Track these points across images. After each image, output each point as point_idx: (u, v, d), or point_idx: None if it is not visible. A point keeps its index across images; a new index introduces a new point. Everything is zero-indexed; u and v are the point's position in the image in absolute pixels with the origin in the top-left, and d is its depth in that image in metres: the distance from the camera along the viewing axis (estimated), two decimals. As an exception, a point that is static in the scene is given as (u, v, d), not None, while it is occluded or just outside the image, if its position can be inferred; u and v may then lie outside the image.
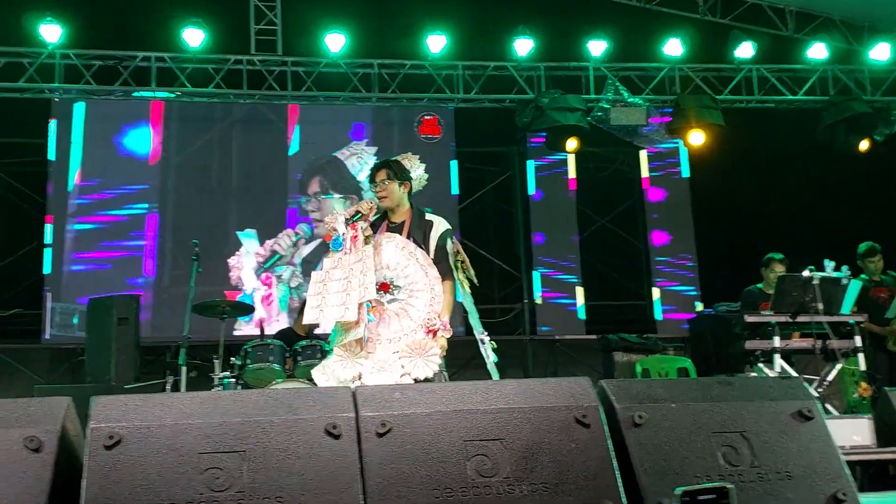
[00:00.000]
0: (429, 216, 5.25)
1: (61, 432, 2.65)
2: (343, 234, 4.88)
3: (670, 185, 12.34)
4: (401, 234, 5.07)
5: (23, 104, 10.83)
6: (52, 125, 10.88)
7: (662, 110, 11.50)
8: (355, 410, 2.83)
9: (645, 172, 12.41)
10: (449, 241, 5.07)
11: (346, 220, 4.90)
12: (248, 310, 8.01)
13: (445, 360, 5.00)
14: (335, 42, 10.76)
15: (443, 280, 4.98)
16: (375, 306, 4.82)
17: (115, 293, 8.83)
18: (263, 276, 10.83)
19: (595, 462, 2.73)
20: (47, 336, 10.48)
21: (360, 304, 4.68)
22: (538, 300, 11.73)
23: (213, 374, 7.11)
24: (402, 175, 5.22)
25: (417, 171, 5.38)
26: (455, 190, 11.57)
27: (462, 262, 5.08)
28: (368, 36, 11.02)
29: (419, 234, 5.07)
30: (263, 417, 2.76)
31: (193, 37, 10.39)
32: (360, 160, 11.25)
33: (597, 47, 11.15)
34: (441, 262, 5.01)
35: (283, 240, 10.95)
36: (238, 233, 10.92)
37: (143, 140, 11.03)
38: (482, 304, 11.99)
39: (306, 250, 10.97)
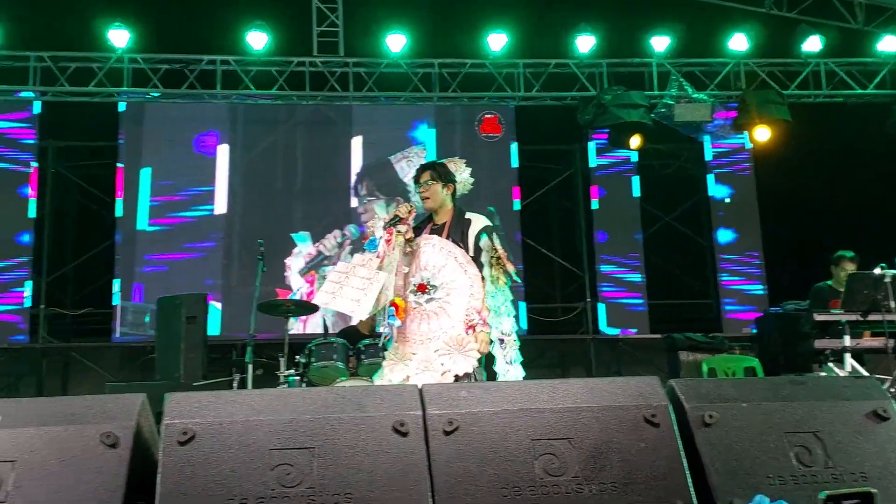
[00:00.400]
0: (468, 214, 5.29)
1: (136, 428, 2.71)
2: (380, 237, 4.99)
3: (735, 181, 12.15)
4: (441, 234, 5.15)
5: (92, 108, 11.08)
6: (122, 129, 11.10)
7: (727, 106, 11.32)
8: (422, 408, 2.84)
9: (709, 169, 12.22)
10: (485, 238, 5.08)
11: (385, 223, 5.01)
12: (312, 309, 8.08)
13: (484, 358, 4.99)
14: (396, 42, 10.82)
15: (483, 278, 5.03)
16: (415, 307, 4.94)
17: (183, 293, 8.98)
18: (308, 275, 10.92)
19: (665, 462, 2.70)
20: (118, 335, 10.69)
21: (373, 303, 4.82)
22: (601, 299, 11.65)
23: (279, 372, 7.20)
24: (446, 177, 5.31)
25: (463, 174, 5.42)
26: (517, 188, 11.52)
27: (498, 258, 5.04)
28: (429, 35, 11.05)
29: (457, 232, 5.14)
30: (332, 415, 2.78)
31: (257, 40, 10.54)
32: (409, 163, 11.28)
33: (660, 43, 11.04)
34: (479, 260, 5.06)
35: (329, 241, 11.02)
36: (292, 235, 11.04)
37: (210, 141, 11.20)
38: (544, 303, 12.14)
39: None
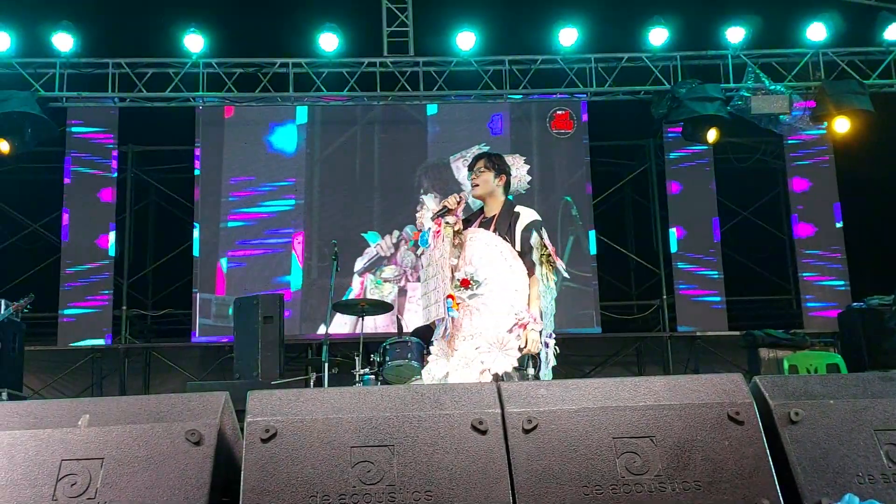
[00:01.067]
0: (518, 208, 5.19)
1: (220, 426, 2.76)
2: (429, 228, 4.94)
3: (815, 174, 11.85)
4: (489, 228, 5.05)
5: (169, 113, 11.33)
6: (198, 132, 11.31)
7: (806, 97, 11.07)
8: (501, 406, 2.83)
9: (788, 162, 11.95)
10: (535, 234, 4.97)
11: (434, 214, 4.98)
12: (387, 308, 8.13)
13: (528, 359, 4.91)
14: (466, 40, 10.82)
15: (529, 273, 4.94)
16: (459, 302, 4.84)
17: (262, 292, 9.13)
18: (363, 275, 10.96)
19: (750, 460, 2.66)
20: (197, 335, 10.90)
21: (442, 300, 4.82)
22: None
23: (355, 371, 7.27)
24: (499, 167, 5.22)
25: (520, 170, 5.41)
26: (589, 185, 11.43)
27: (548, 255, 4.97)
28: (499, 32, 11.02)
29: (504, 226, 5.03)
30: (411, 413, 2.79)
31: (328, 42, 10.64)
32: (465, 163, 11.27)
33: (735, 34, 10.83)
34: (526, 254, 4.96)
35: (386, 240, 11.04)
36: (363, 234, 11.10)
37: (288, 140, 11.33)
38: (619, 301, 12.03)
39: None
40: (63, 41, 10.43)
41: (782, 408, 2.84)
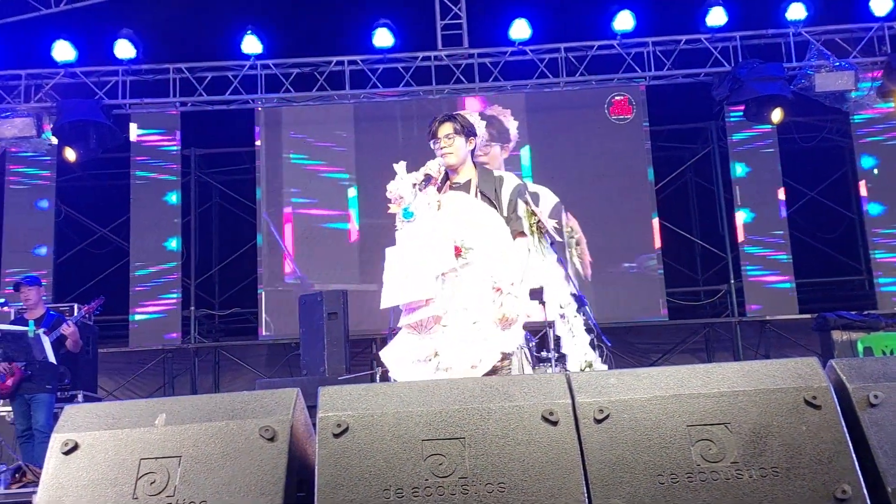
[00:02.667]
0: (498, 172, 4.76)
1: (292, 422, 2.79)
2: (411, 202, 4.48)
3: (884, 151, 11.55)
4: (468, 193, 4.60)
5: (229, 115, 11.48)
6: (258, 133, 11.44)
7: (872, 72, 10.79)
8: (571, 397, 2.81)
9: (855, 140, 11.67)
10: (521, 201, 4.59)
11: (415, 184, 4.51)
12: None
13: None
14: (520, 30, 10.77)
15: (514, 235, 4.50)
16: (447, 272, 4.33)
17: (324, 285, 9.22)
18: None
19: (828, 445, 2.60)
20: (264, 333, 11.04)
21: (436, 278, 4.29)
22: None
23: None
24: (469, 130, 4.70)
25: (480, 129, 4.97)
26: (651, 170, 11.30)
27: (538, 222, 4.64)
28: (553, 20, 10.96)
29: (490, 190, 4.59)
30: (480, 405, 2.79)
31: (383, 38, 10.68)
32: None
33: (796, 11, 10.62)
34: (512, 220, 4.53)
35: None
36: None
37: (345, 139, 11.39)
38: (686, 287, 11.89)
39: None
40: (124, 49, 10.64)
41: (860, 391, 2.77)
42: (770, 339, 11.24)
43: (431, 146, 4.68)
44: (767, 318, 11.17)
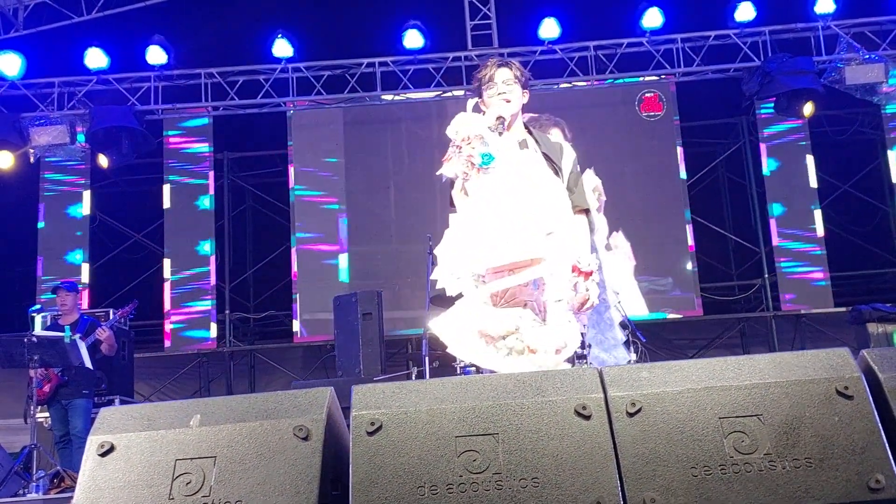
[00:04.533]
0: (553, 136, 4.19)
1: (326, 421, 2.81)
2: (489, 141, 3.66)
3: (917, 142, 11.43)
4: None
5: (261, 118, 11.57)
6: (290, 136, 11.52)
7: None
8: (603, 391, 2.82)
9: (888, 132, 11.54)
10: (590, 174, 4.10)
11: (493, 127, 3.74)
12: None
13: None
14: (549, 28, 10.75)
15: (574, 210, 3.90)
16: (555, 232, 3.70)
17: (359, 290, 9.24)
18: None
19: (861, 435, 2.59)
20: (299, 335, 11.11)
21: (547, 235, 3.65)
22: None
23: (455, 364, 7.30)
24: (525, 81, 4.06)
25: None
26: (683, 166, 11.25)
27: (599, 197, 4.06)
28: (582, 18, 10.94)
29: (556, 155, 3.96)
30: (514, 400, 2.80)
31: (413, 39, 10.71)
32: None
33: (825, 4, 10.51)
34: (576, 193, 3.94)
35: None
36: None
37: (380, 141, 11.43)
38: (720, 282, 11.81)
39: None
40: (156, 55, 10.74)
41: (893, 380, 2.76)
42: (805, 332, 11.16)
43: (483, 93, 4.00)
44: (802, 311, 11.09)
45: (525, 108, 4.14)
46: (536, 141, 3.98)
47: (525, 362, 3.64)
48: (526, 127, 4.05)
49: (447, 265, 3.76)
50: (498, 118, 3.76)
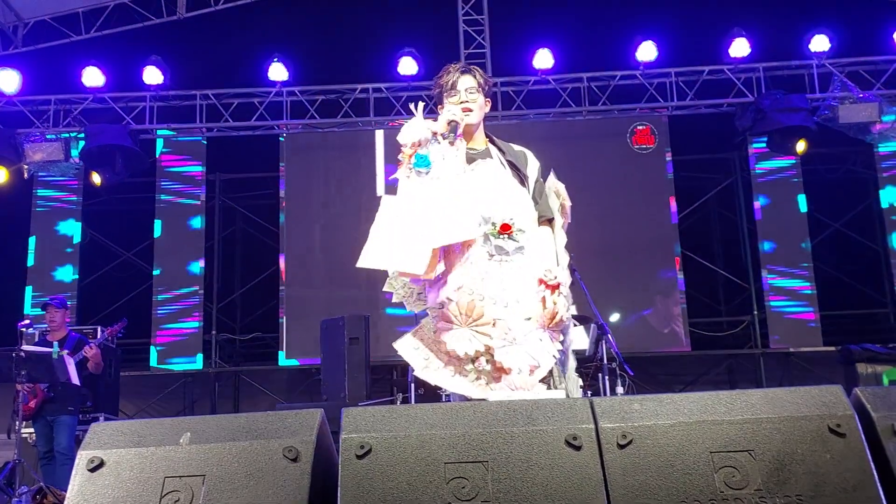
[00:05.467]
0: (516, 146, 4.00)
1: (316, 443, 2.80)
2: (431, 146, 3.62)
3: (909, 183, 11.51)
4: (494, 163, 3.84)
5: (254, 141, 11.60)
6: (283, 158, 11.55)
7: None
8: (594, 422, 2.81)
9: (880, 172, 11.63)
10: (552, 178, 3.94)
11: (446, 133, 3.66)
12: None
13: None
14: (543, 59, 10.83)
15: (540, 221, 3.80)
16: (493, 256, 3.59)
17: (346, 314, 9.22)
18: None
19: (853, 473, 2.58)
20: (285, 358, 11.07)
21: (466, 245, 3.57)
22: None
23: (441, 392, 7.27)
24: (487, 90, 3.91)
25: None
26: (674, 200, 11.30)
27: (561, 206, 3.89)
28: (576, 50, 11.03)
29: (521, 164, 3.86)
30: (504, 428, 2.79)
31: (407, 66, 10.77)
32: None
33: (819, 43, 10.63)
34: (541, 203, 3.83)
35: None
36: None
37: (372, 165, 11.42)
38: (709, 318, 11.83)
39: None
40: (153, 75, 10.77)
41: (885, 419, 2.76)
42: (794, 371, 11.16)
43: (444, 99, 3.86)
44: (791, 349, 11.10)
45: (518, 139, 4.12)
46: (500, 150, 3.89)
47: (496, 387, 3.56)
48: (488, 136, 3.95)
49: (372, 253, 3.69)
50: (450, 122, 3.67)
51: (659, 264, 11.13)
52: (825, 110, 10.54)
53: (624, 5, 11.18)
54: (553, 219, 3.86)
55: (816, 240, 11.54)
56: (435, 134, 3.64)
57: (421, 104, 3.77)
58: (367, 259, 3.63)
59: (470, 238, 3.54)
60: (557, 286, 3.57)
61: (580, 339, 7.24)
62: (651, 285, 11.10)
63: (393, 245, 3.56)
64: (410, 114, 3.77)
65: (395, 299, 3.85)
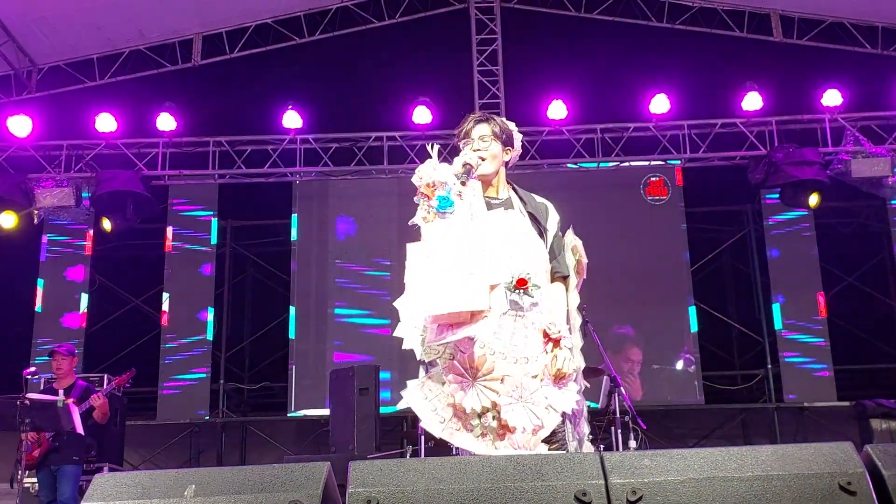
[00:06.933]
0: (538, 197, 4.00)
1: (322, 496, 2.80)
2: (451, 187, 3.58)
3: (923, 238, 11.51)
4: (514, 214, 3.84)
5: (267, 188, 11.69)
6: (295, 206, 11.62)
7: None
8: (604, 477, 2.81)
9: (893, 226, 11.63)
10: (571, 235, 3.97)
11: (460, 175, 3.66)
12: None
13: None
14: (557, 110, 10.93)
15: (553, 277, 3.82)
16: (506, 312, 3.59)
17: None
18: None
19: (865, 533, 2.58)
20: (293, 408, 11.04)
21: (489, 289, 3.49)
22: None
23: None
24: (506, 137, 3.93)
25: (517, 142, 4.05)
26: (687, 252, 11.32)
27: (577, 263, 3.93)
28: (590, 101, 11.13)
29: (541, 216, 3.87)
30: (513, 484, 2.79)
31: (422, 115, 10.88)
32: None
33: (831, 97, 10.71)
34: (557, 259, 3.85)
35: None
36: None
37: (387, 213, 11.39)
38: (722, 370, 11.77)
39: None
40: (166, 122, 10.90)
41: (897, 478, 2.76)
42: (808, 426, 11.07)
43: (461, 147, 3.91)
44: (805, 404, 11.03)
45: (529, 188, 4.13)
46: (522, 199, 3.91)
47: (500, 444, 3.58)
48: (510, 184, 3.96)
49: (407, 318, 3.62)
50: (464, 165, 3.68)
51: (672, 316, 11.12)
52: (838, 164, 10.61)
53: (637, 58, 11.32)
54: (568, 276, 3.87)
55: (830, 293, 11.51)
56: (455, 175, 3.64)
57: (437, 145, 3.82)
58: (425, 308, 3.49)
59: (477, 308, 3.46)
60: (559, 340, 3.61)
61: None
62: (664, 337, 11.08)
63: (445, 288, 3.44)
64: (424, 161, 3.79)
65: (405, 345, 3.70)
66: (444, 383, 3.64)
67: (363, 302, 11.22)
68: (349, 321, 11.22)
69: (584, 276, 3.95)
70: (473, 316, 3.46)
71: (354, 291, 11.33)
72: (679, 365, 10.99)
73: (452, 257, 3.46)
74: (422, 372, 3.87)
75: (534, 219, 3.84)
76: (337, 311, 11.31)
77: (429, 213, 3.58)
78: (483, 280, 3.44)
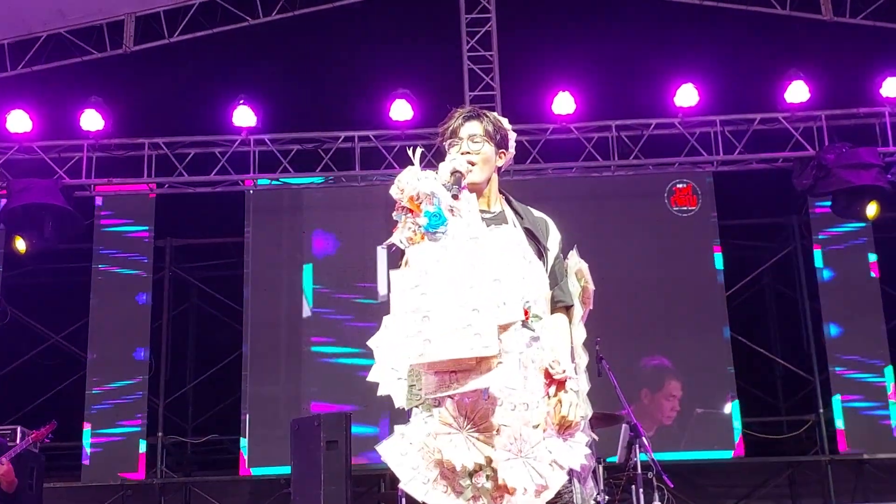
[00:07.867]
0: (535, 211, 3.91)
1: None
2: (441, 200, 3.43)
3: None
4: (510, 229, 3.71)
5: (214, 200, 11.62)
6: (248, 221, 11.56)
7: None
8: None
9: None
10: (576, 257, 3.90)
11: (449, 184, 3.52)
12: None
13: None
14: (564, 104, 10.90)
15: (555, 307, 3.74)
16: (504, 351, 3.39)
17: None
18: None
19: None
20: (246, 466, 10.95)
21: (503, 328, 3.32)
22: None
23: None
24: (501, 139, 3.80)
25: (512, 144, 3.89)
26: (721, 273, 11.31)
27: (583, 289, 3.85)
28: (603, 93, 11.11)
29: (541, 234, 3.80)
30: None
31: (401, 110, 10.82)
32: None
33: (892, 87, 10.72)
34: (559, 285, 3.77)
35: None
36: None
37: (368, 227, 11.30)
38: (764, 417, 11.75)
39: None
40: (92, 120, 10.82)
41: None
42: (868, 482, 11.07)
43: (447, 151, 3.76)
44: (865, 456, 11.01)
45: (533, 199, 4.07)
46: (517, 212, 3.81)
47: None
48: (503, 194, 3.86)
49: (384, 361, 3.51)
50: (453, 172, 3.55)
51: (704, 351, 11.10)
52: (901, 167, 10.64)
53: (660, 42, 11.27)
54: (572, 305, 3.79)
55: (893, 322, 11.51)
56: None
57: (420, 150, 3.60)
58: (418, 353, 3.29)
59: (486, 354, 3.26)
60: (563, 382, 3.48)
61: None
62: (695, 376, 11.05)
63: (442, 328, 3.27)
64: (405, 165, 3.67)
65: (380, 391, 3.56)
66: (428, 434, 3.48)
67: (349, 337, 11.10)
68: (332, 361, 11.13)
69: (591, 307, 3.86)
70: (480, 361, 3.29)
71: (342, 324, 11.23)
72: (727, 409, 10.94)
73: (450, 289, 3.31)
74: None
75: (531, 236, 3.73)
76: (315, 348, 11.22)
77: (415, 232, 3.43)
78: (490, 319, 3.26)
